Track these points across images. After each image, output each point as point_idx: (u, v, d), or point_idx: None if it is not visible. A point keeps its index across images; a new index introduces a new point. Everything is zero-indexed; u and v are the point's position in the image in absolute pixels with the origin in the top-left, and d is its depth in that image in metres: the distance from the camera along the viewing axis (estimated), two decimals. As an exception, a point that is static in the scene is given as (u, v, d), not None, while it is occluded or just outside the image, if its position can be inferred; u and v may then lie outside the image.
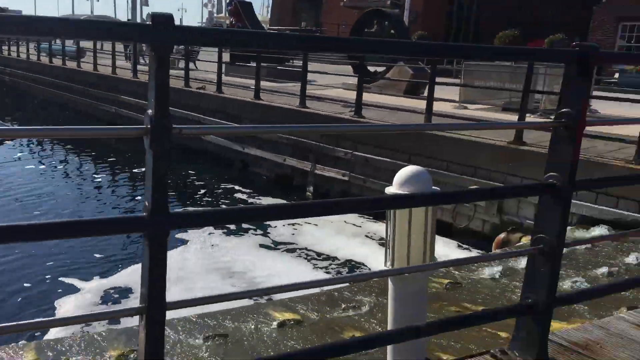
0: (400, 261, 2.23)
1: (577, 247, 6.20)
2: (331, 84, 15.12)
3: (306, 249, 8.00)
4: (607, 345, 2.43)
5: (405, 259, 2.21)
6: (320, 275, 6.98)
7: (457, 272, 5.61)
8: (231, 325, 4.35)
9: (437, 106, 10.76)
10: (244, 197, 10.68)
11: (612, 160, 7.13)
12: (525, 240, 7.20)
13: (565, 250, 6.06)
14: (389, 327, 2.30)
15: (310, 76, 18.04)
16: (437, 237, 7.94)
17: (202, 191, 11.24)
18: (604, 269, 5.52)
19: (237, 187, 11.25)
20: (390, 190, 2.22)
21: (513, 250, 2.16)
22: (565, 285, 5.16)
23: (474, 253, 7.88)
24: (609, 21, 24.81)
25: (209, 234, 8.42)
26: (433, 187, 2.23)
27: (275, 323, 4.09)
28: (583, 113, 2.01)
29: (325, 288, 4.73)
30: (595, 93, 15.25)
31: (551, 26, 25.69)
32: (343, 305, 4.34)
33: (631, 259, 5.79)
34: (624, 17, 24.35)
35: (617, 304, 4.62)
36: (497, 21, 29.49)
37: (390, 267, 2.26)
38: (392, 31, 15.03)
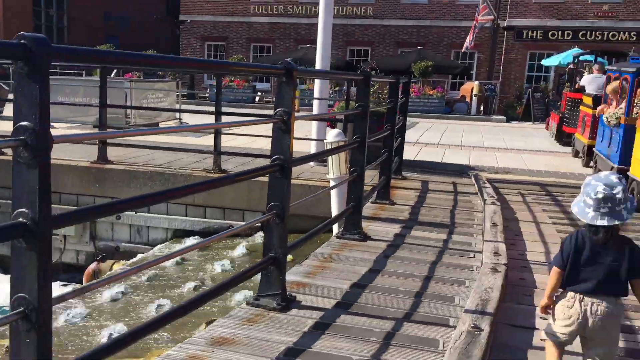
0: None
1: (167, 263, 6.02)
2: None
3: None
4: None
5: None
6: None
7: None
8: None
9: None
10: None
11: (195, 170, 7.26)
12: (118, 266, 6.69)
13: (150, 270, 5.57)
14: None
15: None
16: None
17: None
18: (192, 284, 5.43)
19: None
20: None
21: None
22: (151, 310, 4.82)
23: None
24: (195, 40, 26.73)
25: None
26: None
27: None
28: (43, 123, 1.50)
29: None
30: (191, 108, 16.04)
31: (151, 42, 26.16)
32: None
33: (217, 267, 5.90)
34: (207, 37, 26.59)
35: (200, 320, 4.50)
36: (90, 27, 28.83)
37: None
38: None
